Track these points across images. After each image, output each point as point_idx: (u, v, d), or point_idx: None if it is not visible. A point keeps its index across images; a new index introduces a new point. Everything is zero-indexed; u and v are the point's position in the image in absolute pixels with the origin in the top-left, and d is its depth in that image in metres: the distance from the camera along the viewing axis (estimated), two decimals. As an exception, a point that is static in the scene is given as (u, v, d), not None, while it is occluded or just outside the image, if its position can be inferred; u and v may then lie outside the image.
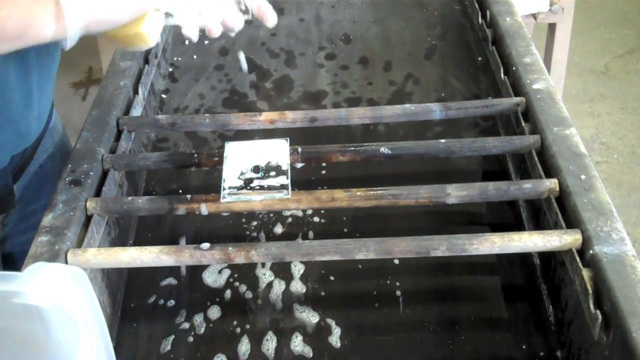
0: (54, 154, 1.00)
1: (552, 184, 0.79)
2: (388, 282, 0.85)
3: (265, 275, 0.86)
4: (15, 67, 0.75)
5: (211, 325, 0.81)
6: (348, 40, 1.30)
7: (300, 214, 0.93)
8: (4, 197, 0.93)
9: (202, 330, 0.81)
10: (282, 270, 0.86)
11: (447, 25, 1.32)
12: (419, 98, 1.14)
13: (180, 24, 0.77)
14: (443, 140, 0.88)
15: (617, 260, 0.68)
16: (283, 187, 0.80)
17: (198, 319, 0.82)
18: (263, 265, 0.87)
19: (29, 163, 0.96)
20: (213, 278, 0.86)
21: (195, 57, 1.27)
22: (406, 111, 0.94)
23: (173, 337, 0.80)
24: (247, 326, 0.81)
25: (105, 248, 0.80)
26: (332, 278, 0.85)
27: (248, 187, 0.81)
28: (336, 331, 0.80)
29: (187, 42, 1.30)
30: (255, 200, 0.80)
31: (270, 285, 0.85)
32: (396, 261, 0.86)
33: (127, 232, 0.92)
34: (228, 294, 0.84)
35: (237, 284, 0.85)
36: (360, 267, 0.86)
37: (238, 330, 0.81)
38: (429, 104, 0.95)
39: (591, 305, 0.66)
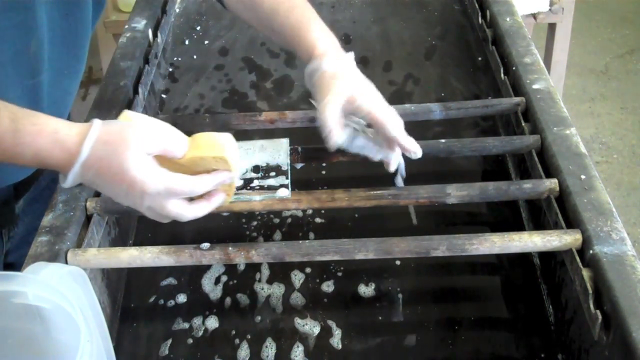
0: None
1: (552, 184, 0.79)
2: (388, 282, 0.85)
3: (264, 276, 0.86)
4: (26, 108, 0.75)
5: (211, 326, 0.81)
6: (348, 40, 1.30)
7: (300, 214, 0.93)
8: (5, 214, 0.92)
9: (202, 331, 0.81)
10: (281, 271, 0.86)
11: (447, 25, 1.32)
12: (419, 98, 1.14)
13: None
14: (443, 140, 0.88)
15: (617, 260, 0.68)
16: (283, 187, 0.80)
17: (197, 321, 0.82)
18: (261, 269, 0.87)
19: (36, 178, 0.96)
20: (212, 283, 0.86)
21: (195, 57, 1.27)
22: (406, 111, 0.94)
23: (173, 337, 0.80)
24: (247, 328, 0.81)
25: (105, 248, 0.80)
26: (332, 279, 0.85)
27: (248, 187, 0.81)
28: (337, 333, 0.80)
29: (187, 42, 1.30)
30: (255, 200, 0.80)
31: (270, 287, 0.85)
32: (398, 262, 0.86)
33: (127, 232, 0.92)
34: (228, 300, 0.84)
35: (233, 282, 0.86)
36: (360, 267, 0.86)
37: (238, 330, 0.81)
38: (429, 104, 0.95)
39: (591, 305, 0.66)
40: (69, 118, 1.00)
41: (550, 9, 1.96)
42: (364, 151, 0.81)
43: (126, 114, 0.68)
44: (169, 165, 0.66)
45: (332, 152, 0.80)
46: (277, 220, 0.93)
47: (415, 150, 0.79)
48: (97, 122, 0.64)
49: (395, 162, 0.80)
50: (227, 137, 0.69)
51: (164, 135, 0.66)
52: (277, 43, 1.12)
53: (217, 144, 0.67)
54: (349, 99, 0.77)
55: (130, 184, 0.63)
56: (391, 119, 0.77)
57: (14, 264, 0.97)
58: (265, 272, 0.86)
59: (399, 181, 0.81)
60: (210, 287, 0.85)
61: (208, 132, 0.69)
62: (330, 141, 0.77)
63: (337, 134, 0.77)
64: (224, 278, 0.86)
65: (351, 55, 0.82)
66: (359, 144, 0.81)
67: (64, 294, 0.60)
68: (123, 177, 0.63)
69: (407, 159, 0.83)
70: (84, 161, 0.63)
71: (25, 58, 0.81)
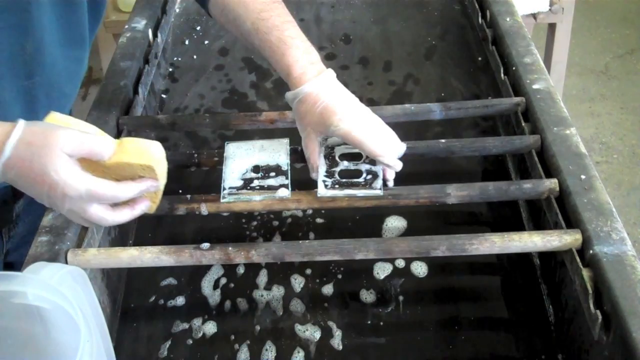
0: None
1: (552, 184, 0.79)
2: (388, 282, 0.85)
3: (264, 278, 0.86)
4: (22, 109, 0.76)
5: (211, 328, 0.81)
6: (348, 40, 1.30)
7: (300, 214, 0.93)
8: (4, 214, 0.92)
9: (201, 333, 0.81)
10: (282, 271, 0.86)
11: (447, 25, 1.32)
12: (419, 98, 1.14)
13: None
14: (443, 140, 0.88)
15: (617, 260, 0.68)
16: (283, 187, 0.80)
17: (197, 322, 0.82)
18: (259, 273, 0.87)
19: None
20: (212, 286, 0.86)
21: (195, 57, 1.27)
22: (406, 111, 0.94)
23: (173, 338, 0.80)
24: (247, 331, 0.81)
25: (105, 248, 0.80)
26: (332, 280, 0.85)
27: (248, 187, 0.81)
28: (337, 334, 0.80)
29: (187, 42, 1.30)
30: (255, 200, 0.80)
31: (269, 292, 0.85)
32: (402, 263, 0.86)
33: (127, 232, 0.92)
34: (227, 303, 0.84)
35: (232, 285, 0.86)
36: (360, 267, 0.86)
37: (238, 333, 0.81)
38: (429, 104, 0.95)
39: (591, 305, 0.66)
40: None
41: (550, 9, 1.96)
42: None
43: (53, 115, 0.68)
44: (95, 169, 0.65)
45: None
46: (277, 221, 0.93)
47: (395, 167, 0.80)
48: (21, 123, 0.64)
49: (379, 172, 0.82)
50: (156, 146, 0.68)
51: (88, 138, 0.65)
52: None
53: (145, 151, 0.67)
54: (323, 124, 0.79)
55: (51, 187, 0.63)
56: (368, 139, 0.78)
57: (14, 264, 0.97)
58: (265, 273, 0.86)
59: (379, 184, 0.81)
60: (210, 290, 0.85)
61: (138, 138, 0.69)
62: (315, 175, 0.82)
63: (322, 170, 0.81)
64: (223, 280, 0.86)
65: (331, 72, 0.82)
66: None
67: (64, 294, 0.60)
68: (44, 179, 0.62)
69: (407, 159, 0.83)
70: (5, 161, 0.62)
71: (20, 59, 0.80)
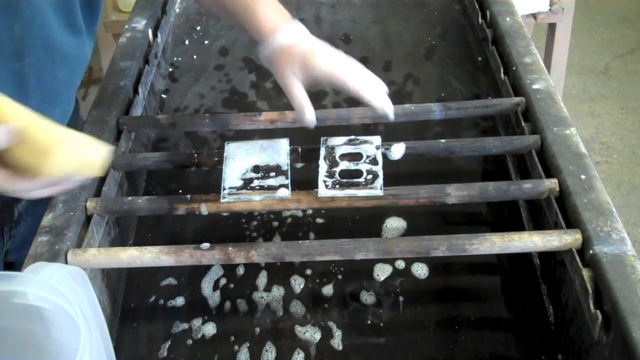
0: None
1: (552, 184, 0.79)
2: (388, 282, 0.85)
3: (264, 280, 0.86)
4: (13, 91, 0.75)
5: (210, 329, 0.81)
6: (348, 40, 1.30)
7: (300, 214, 0.93)
8: (4, 213, 0.92)
9: (201, 334, 0.81)
10: (281, 272, 0.87)
11: (447, 25, 1.32)
12: (419, 98, 1.14)
13: None
14: (443, 140, 0.88)
15: (617, 260, 0.68)
16: (283, 187, 0.80)
17: (197, 322, 0.82)
18: (259, 275, 0.87)
19: None
20: (212, 286, 0.86)
21: (195, 57, 1.27)
22: (406, 111, 0.94)
23: (173, 338, 0.80)
24: (247, 332, 0.81)
25: (105, 248, 0.80)
26: (332, 280, 0.85)
27: (248, 187, 0.81)
28: (337, 334, 0.80)
29: (187, 42, 1.30)
30: (255, 200, 0.80)
31: (269, 294, 0.85)
32: (402, 264, 0.86)
33: (127, 232, 0.92)
34: (227, 304, 0.84)
35: (232, 286, 0.86)
36: (360, 267, 0.86)
37: (238, 334, 0.81)
38: (429, 104, 0.95)
39: (591, 305, 0.66)
40: (75, 115, 1.00)
41: (550, 9, 1.96)
42: None
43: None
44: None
45: None
46: (276, 221, 0.93)
47: (383, 107, 0.81)
48: None
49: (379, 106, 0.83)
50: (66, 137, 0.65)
51: None
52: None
53: (48, 150, 0.63)
54: (305, 67, 0.80)
55: None
56: (350, 76, 0.79)
57: (14, 264, 0.97)
58: (265, 274, 0.86)
59: (379, 184, 0.80)
60: (210, 291, 0.85)
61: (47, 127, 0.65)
62: (305, 118, 0.81)
63: (311, 110, 0.80)
64: (223, 281, 0.86)
65: (301, 25, 0.84)
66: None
67: (64, 294, 0.60)
68: None
69: (407, 159, 0.83)
70: None
71: (9, 40, 0.80)
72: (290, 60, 0.81)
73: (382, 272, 0.85)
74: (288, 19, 0.84)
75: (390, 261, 0.86)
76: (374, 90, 0.81)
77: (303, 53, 0.81)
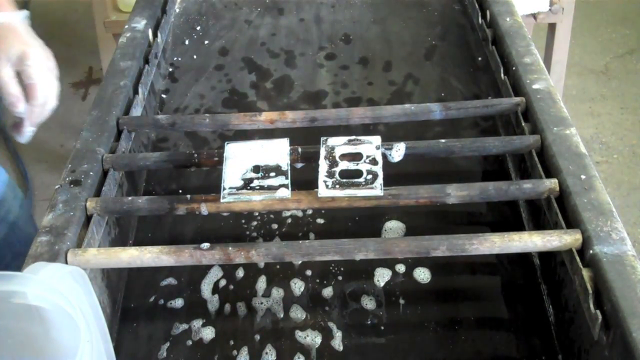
0: (14, 223, 1.02)
1: (552, 184, 0.79)
2: (388, 282, 0.85)
3: (264, 280, 0.86)
4: None
5: (210, 329, 0.81)
6: (348, 40, 1.30)
7: (300, 214, 0.93)
8: None
9: (201, 334, 0.81)
10: (282, 271, 0.86)
11: (447, 25, 1.32)
12: (419, 98, 1.14)
13: None
14: (443, 140, 0.88)
15: (617, 260, 0.68)
16: (283, 187, 0.80)
17: (197, 323, 0.82)
18: (259, 273, 0.87)
19: None
20: (211, 288, 0.86)
21: (195, 57, 1.27)
22: (406, 111, 0.94)
23: (173, 338, 0.80)
24: (247, 333, 0.81)
25: (105, 248, 0.80)
26: (332, 280, 0.85)
27: (248, 187, 0.81)
28: (337, 335, 0.80)
29: (187, 42, 1.30)
30: (255, 200, 0.80)
31: (269, 291, 0.85)
32: (402, 268, 0.86)
33: (127, 232, 0.92)
34: (227, 305, 0.84)
35: (232, 286, 0.86)
36: (360, 267, 0.86)
37: (237, 335, 0.81)
38: (429, 104, 0.95)
39: (591, 305, 0.66)
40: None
41: (550, 9, 1.96)
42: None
43: None
44: None
45: None
46: (276, 221, 0.93)
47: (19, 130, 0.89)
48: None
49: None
50: None
51: None
52: None
53: None
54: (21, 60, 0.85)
55: None
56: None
57: None
58: (265, 275, 0.86)
59: (379, 184, 0.80)
60: (209, 293, 0.85)
61: None
62: (14, 108, 0.86)
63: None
64: (223, 282, 0.86)
65: (22, 13, 0.89)
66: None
67: (64, 294, 0.60)
68: None
69: (407, 159, 0.83)
70: None
71: None
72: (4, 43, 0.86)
73: (382, 276, 0.85)
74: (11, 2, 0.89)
75: (391, 266, 0.86)
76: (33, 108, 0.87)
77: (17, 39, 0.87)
